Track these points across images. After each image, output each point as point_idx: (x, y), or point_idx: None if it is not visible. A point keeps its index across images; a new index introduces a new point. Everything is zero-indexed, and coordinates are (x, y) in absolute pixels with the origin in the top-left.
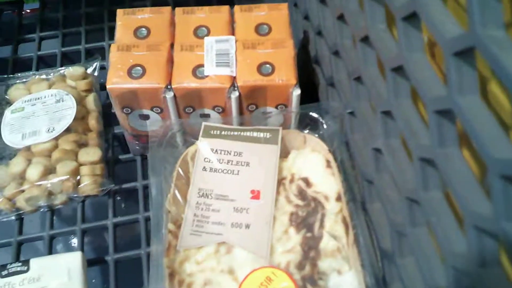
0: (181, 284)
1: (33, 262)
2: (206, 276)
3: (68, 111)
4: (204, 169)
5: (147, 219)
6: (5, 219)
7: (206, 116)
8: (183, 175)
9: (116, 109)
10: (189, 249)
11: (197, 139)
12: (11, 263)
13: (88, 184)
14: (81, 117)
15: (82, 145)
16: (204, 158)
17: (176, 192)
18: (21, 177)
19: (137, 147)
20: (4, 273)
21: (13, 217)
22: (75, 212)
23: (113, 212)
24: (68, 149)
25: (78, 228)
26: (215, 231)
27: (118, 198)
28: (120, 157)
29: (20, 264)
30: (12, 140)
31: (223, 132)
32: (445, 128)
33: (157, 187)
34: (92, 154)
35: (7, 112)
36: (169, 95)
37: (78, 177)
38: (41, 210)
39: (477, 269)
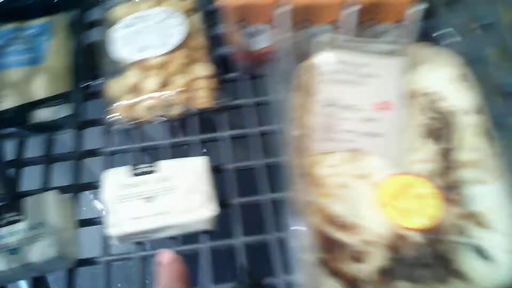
0: (316, 183)
1: (162, 163)
2: (340, 180)
3: (179, 28)
4: (328, 80)
5: (263, 133)
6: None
7: (260, 33)
8: (306, 85)
9: (229, 25)
10: (319, 154)
11: (311, 54)
12: (141, 163)
13: (203, 97)
14: (189, 35)
15: (193, 60)
16: (328, 69)
17: (299, 101)
18: (137, 89)
19: (245, 65)
20: (136, 172)
21: (133, 125)
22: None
23: (229, 126)
24: (183, 62)
25: (197, 138)
26: (346, 138)
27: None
28: (226, 76)
29: (149, 165)
30: (127, 53)
31: (348, 44)
32: None
33: (279, 98)
34: (205, 68)
35: (118, 28)
36: (285, 8)
37: (193, 90)
38: (158, 120)
39: None
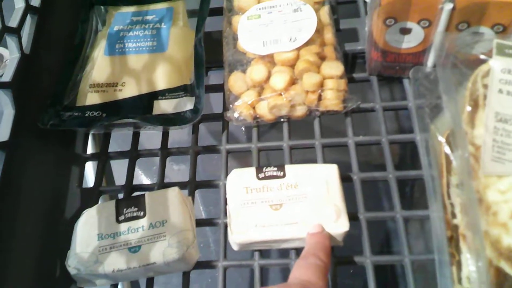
0: (487, 211)
1: (289, 168)
2: (511, 208)
3: (308, 22)
4: (500, 91)
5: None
6: (243, 125)
7: (407, 32)
8: (472, 96)
9: (377, 20)
10: (490, 176)
11: (475, 59)
12: (267, 166)
13: (331, 99)
14: (317, 30)
15: (322, 58)
16: (500, 79)
17: (462, 112)
18: (261, 85)
19: (379, 65)
20: (262, 175)
21: (252, 124)
22: (312, 126)
23: (352, 132)
24: (312, 60)
25: (317, 142)
26: None
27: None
28: (354, 76)
29: (275, 168)
30: (253, 47)
31: None
32: None
33: (424, 105)
34: (335, 68)
35: (243, 19)
36: (448, 6)
37: (321, 91)
38: (281, 120)
39: None
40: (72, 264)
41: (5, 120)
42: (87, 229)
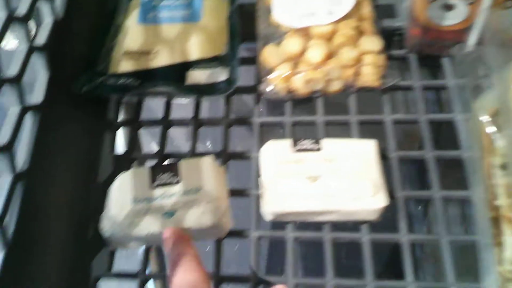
0: None
1: (326, 142)
2: None
3: None
4: None
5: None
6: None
7: (450, 8)
8: None
9: None
10: None
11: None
12: (303, 139)
13: (369, 74)
14: (357, 3)
15: (361, 32)
16: None
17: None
18: (297, 59)
19: (418, 43)
20: (298, 148)
21: (288, 97)
22: (346, 102)
23: (391, 109)
24: (350, 34)
25: (353, 118)
26: None
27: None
28: (393, 52)
29: (312, 141)
30: (288, 20)
31: None
32: None
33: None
34: (373, 42)
35: None
36: None
37: (358, 66)
38: (315, 95)
39: None
40: (106, 227)
41: (39, 83)
42: (122, 193)
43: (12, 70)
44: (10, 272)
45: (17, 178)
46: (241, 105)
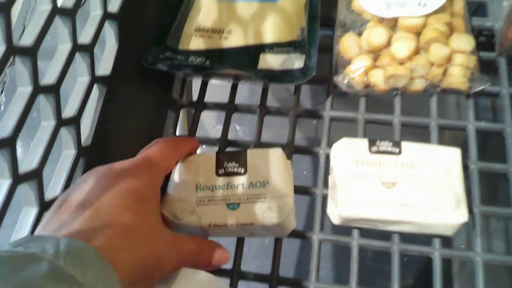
0: None
1: (406, 145)
2: None
3: None
4: None
5: None
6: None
7: None
8: None
9: None
10: None
11: None
12: (381, 140)
13: (458, 76)
14: None
15: (452, 29)
16: None
17: None
18: (377, 51)
19: None
20: (375, 149)
21: (364, 92)
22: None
23: (475, 115)
24: (442, 30)
25: (433, 122)
26: None
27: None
28: (483, 55)
29: (391, 144)
30: (375, 7)
31: None
32: None
33: None
34: (466, 41)
35: None
36: None
37: (447, 66)
38: (394, 92)
39: None
40: (169, 211)
41: (108, 53)
42: (185, 178)
43: (84, 37)
44: None
45: (81, 152)
46: (279, 93)
